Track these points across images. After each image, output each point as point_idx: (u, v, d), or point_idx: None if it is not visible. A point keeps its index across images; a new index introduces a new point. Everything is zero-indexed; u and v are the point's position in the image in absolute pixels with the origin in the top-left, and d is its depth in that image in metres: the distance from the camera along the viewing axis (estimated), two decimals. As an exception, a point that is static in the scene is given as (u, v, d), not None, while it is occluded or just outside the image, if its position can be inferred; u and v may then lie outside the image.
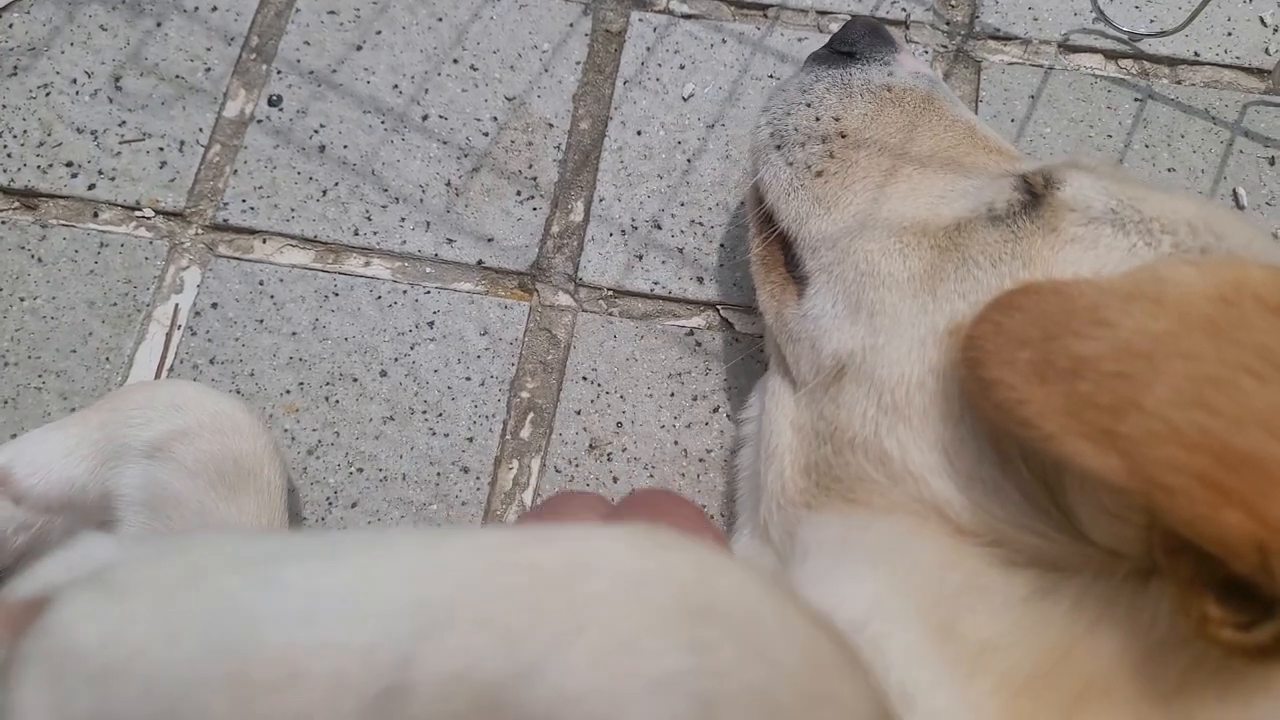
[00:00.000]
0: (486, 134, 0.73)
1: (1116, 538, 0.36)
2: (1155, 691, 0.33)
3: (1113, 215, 0.45)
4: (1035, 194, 0.48)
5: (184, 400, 0.56)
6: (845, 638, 0.23)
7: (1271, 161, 0.72)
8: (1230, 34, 0.76)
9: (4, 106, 0.74)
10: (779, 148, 0.58)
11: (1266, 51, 0.75)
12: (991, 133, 0.58)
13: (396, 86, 0.74)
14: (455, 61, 0.75)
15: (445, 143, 0.73)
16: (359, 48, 0.76)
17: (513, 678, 0.19)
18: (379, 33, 0.76)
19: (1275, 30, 0.76)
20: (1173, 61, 0.75)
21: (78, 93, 0.74)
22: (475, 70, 0.75)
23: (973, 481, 0.40)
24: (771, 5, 0.77)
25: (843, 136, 0.56)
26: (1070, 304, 0.37)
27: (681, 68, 0.75)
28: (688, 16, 0.77)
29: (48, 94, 0.74)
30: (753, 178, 0.59)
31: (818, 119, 0.57)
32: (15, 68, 0.75)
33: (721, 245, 0.70)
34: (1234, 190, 0.71)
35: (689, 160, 0.72)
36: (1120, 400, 0.32)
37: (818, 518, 0.46)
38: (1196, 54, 0.75)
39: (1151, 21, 0.76)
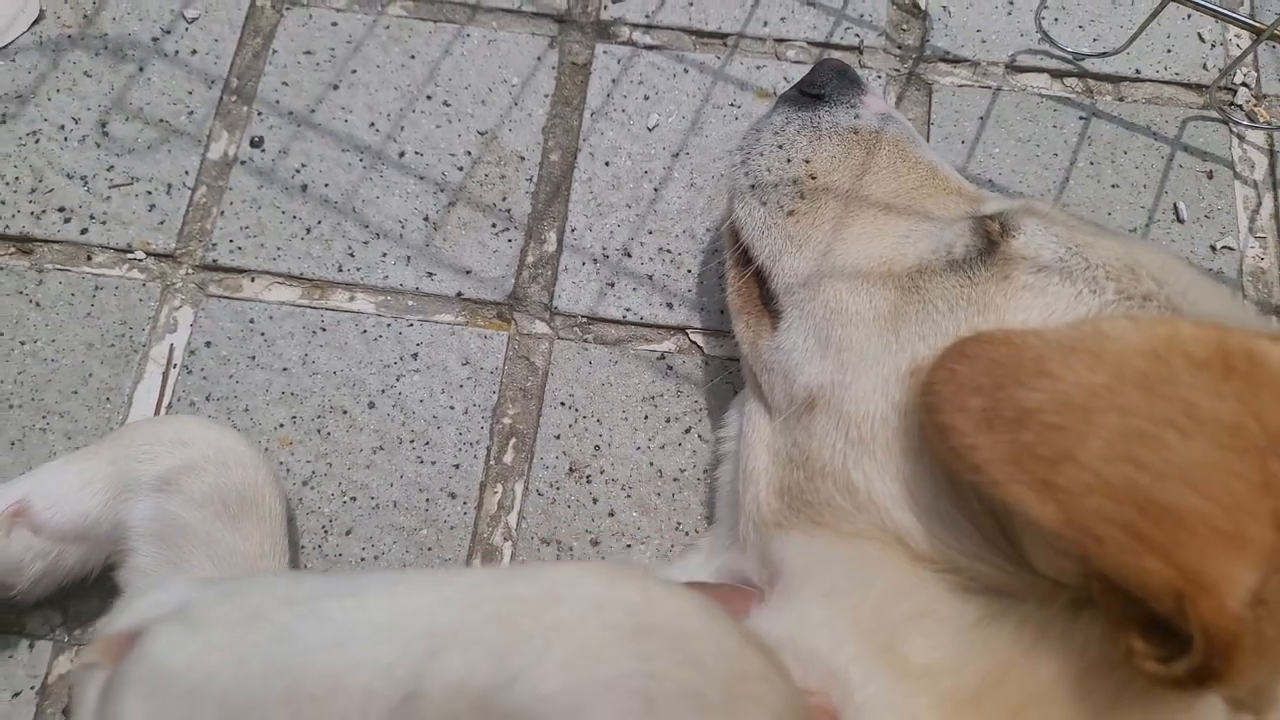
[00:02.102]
0: (461, 168, 0.76)
1: (1058, 571, 0.39)
2: (1089, 708, 0.37)
3: (1060, 264, 0.48)
4: (991, 240, 0.50)
5: (189, 436, 0.60)
6: (769, 650, 0.28)
7: (1210, 175, 0.76)
8: (1170, 50, 0.80)
9: (-5, 154, 0.76)
10: (753, 187, 0.60)
11: (1204, 66, 0.79)
12: (952, 172, 0.60)
13: (373, 124, 0.77)
14: (429, 98, 0.78)
15: (422, 178, 0.76)
16: (335, 87, 0.78)
17: (500, 685, 0.25)
18: (354, 71, 0.79)
19: (1213, 46, 0.80)
20: (1115, 79, 0.79)
21: (66, 139, 0.77)
22: (448, 106, 0.78)
23: (931, 513, 0.44)
24: (730, 35, 0.80)
25: (812, 178, 0.59)
26: (1018, 354, 0.39)
27: (646, 98, 0.78)
28: (650, 48, 0.80)
29: (37, 141, 0.77)
30: (729, 216, 0.62)
31: (789, 160, 0.60)
32: (4, 115, 0.77)
33: (689, 271, 0.73)
34: (1175, 204, 0.75)
35: (655, 189, 0.75)
36: (1058, 452, 0.35)
37: (788, 537, 0.49)
38: (1138, 71, 0.79)
39: (1095, 40, 0.79)
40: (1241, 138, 0.77)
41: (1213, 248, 0.74)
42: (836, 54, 0.80)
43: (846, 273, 0.54)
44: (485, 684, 0.26)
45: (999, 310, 0.48)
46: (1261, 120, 0.77)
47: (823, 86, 0.62)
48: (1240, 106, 0.78)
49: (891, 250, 0.53)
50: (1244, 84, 0.78)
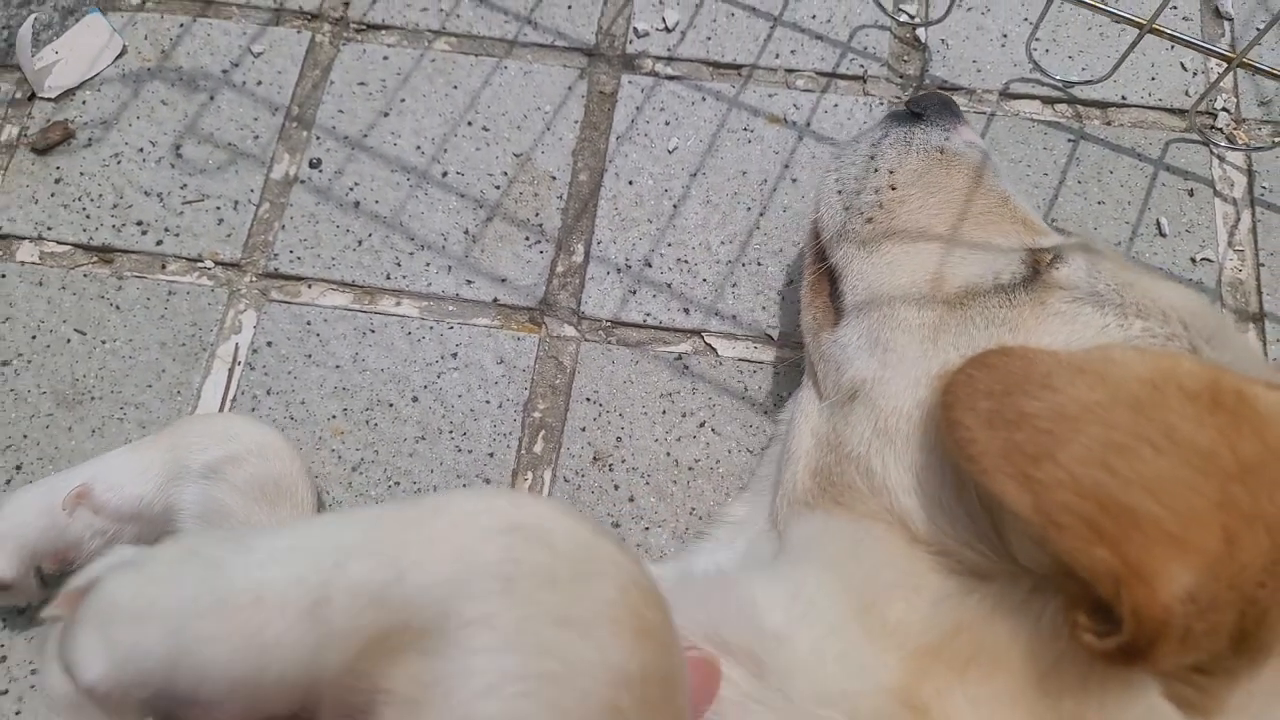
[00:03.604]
0: (498, 187, 0.84)
1: (1033, 561, 0.44)
2: (1033, 670, 0.41)
3: (1096, 297, 0.52)
4: (1036, 270, 0.55)
5: (235, 430, 0.68)
6: (620, 545, 0.33)
7: (1191, 193, 0.81)
8: (1154, 78, 0.86)
9: (82, 174, 0.85)
10: (840, 192, 0.66)
11: (1186, 93, 0.85)
12: (1024, 205, 0.64)
13: (419, 147, 0.85)
14: (470, 124, 0.86)
15: (463, 196, 0.83)
16: (386, 114, 0.87)
17: (391, 581, 0.29)
18: (403, 100, 0.87)
19: (1194, 74, 0.86)
20: (1103, 105, 0.85)
21: (145, 160, 0.85)
22: (487, 131, 0.86)
23: (933, 501, 0.49)
24: (744, 66, 0.87)
25: (892, 188, 0.64)
26: (1030, 368, 0.44)
27: (667, 124, 0.85)
28: (671, 78, 0.87)
29: (119, 162, 0.85)
30: (814, 215, 0.67)
31: (876, 170, 0.65)
32: (90, 139, 0.86)
33: (704, 280, 0.80)
34: (1157, 220, 0.80)
35: (675, 206, 0.82)
36: (1042, 451, 0.40)
37: (811, 515, 0.55)
38: (1124, 97, 0.85)
39: (1083, 70, 0.85)
40: (1222, 158, 0.82)
41: (1192, 260, 0.79)
42: (842, 83, 0.86)
43: (904, 284, 0.58)
44: (380, 581, 0.30)
45: (1029, 331, 0.52)
46: (1240, 142, 0.83)
47: (925, 108, 0.67)
48: (1221, 130, 0.84)
49: (948, 268, 0.58)
50: (1224, 109, 0.84)
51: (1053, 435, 0.40)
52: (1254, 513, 0.38)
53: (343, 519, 0.33)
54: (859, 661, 0.44)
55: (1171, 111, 0.84)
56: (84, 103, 0.88)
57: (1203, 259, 0.79)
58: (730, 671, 0.42)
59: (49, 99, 0.87)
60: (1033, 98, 0.86)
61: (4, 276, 0.82)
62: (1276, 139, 0.82)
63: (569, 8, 0.90)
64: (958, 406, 0.44)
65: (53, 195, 0.84)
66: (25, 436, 0.76)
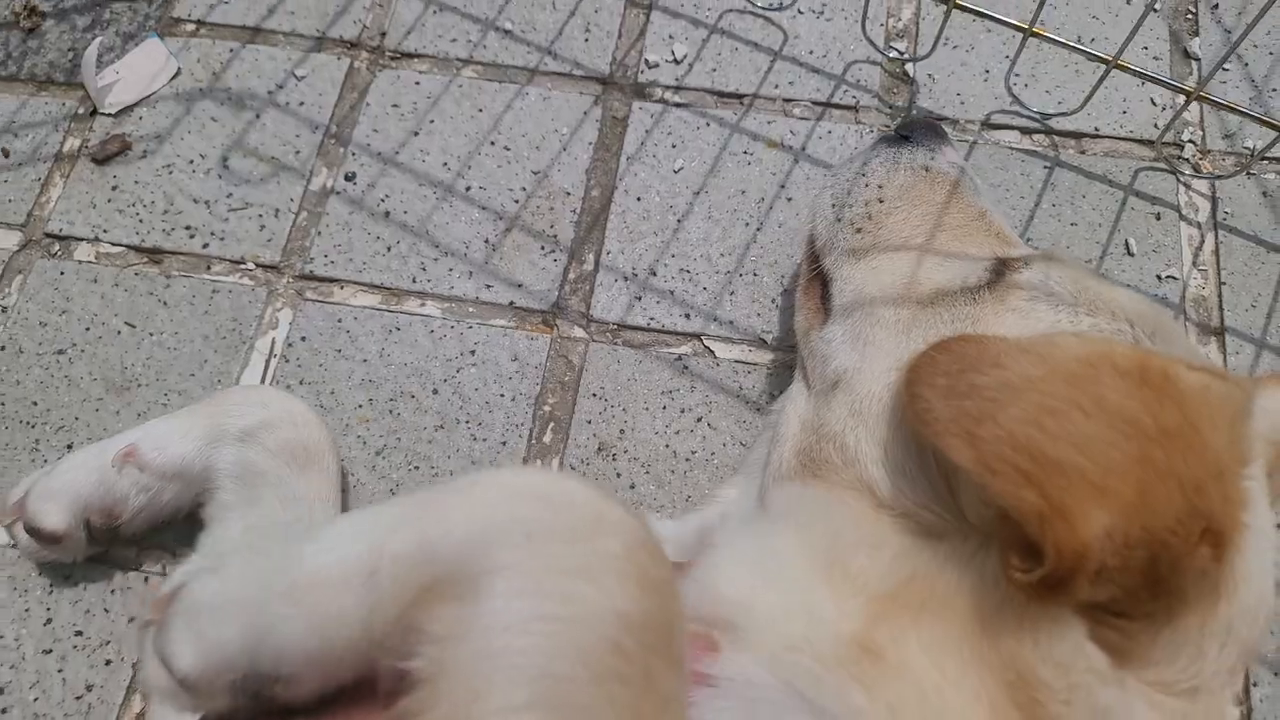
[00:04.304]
0: (517, 201, 0.91)
1: (979, 516, 0.49)
2: (978, 613, 0.46)
3: (1051, 296, 0.58)
4: (1001, 274, 0.60)
5: (268, 399, 0.74)
6: (628, 509, 0.38)
7: (1158, 217, 0.88)
8: (1125, 112, 0.92)
9: (136, 183, 0.93)
10: (833, 205, 0.72)
11: (1155, 126, 0.91)
12: (1000, 220, 0.69)
13: (446, 164, 0.93)
14: (492, 143, 0.94)
15: (484, 208, 0.91)
16: (416, 133, 0.94)
17: (435, 540, 0.35)
18: (432, 121, 0.95)
19: (1163, 109, 0.92)
20: (1078, 135, 0.92)
21: (194, 171, 0.93)
22: (508, 150, 0.93)
23: (897, 469, 0.54)
24: (746, 95, 0.95)
25: (880, 202, 0.70)
26: (983, 350, 0.49)
27: (673, 146, 0.93)
28: (678, 105, 0.95)
29: (170, 172, 0.93)
30: (809, 225, 0.73)
31: (866, 185, 0.71)
32: (145, 151, 0.94)
33: (704, 288, 0.87)
34: (1126, 241, 0.87)
35: (679, 221, 0.89)
36: (985, 414, 0.45)
37: (789, 485, 0.61)
38: (1097, 129, 0.92)
39: (1060, 103, 0.92)
40: (1188, 186, 0.89)
41: (1158, 277, 0.85)
42: (836, 112, 0.94)
43: (884, 287, 0.64)
44: (418, 546, 0.35)
45: (987, 324, 0.58)
46: (1205, 171, 0.89)
47: (913, 131, 0.74)
48: (1188, 160, 0.90)
49: (924, 273, 0.64)
50: (1190, 141, 0.91)
51: (996, 402, 0.45)
52: (1169, 470, 0.42)
53: (386, 505, 0.38)
54: (821, 611, 0.49)
55: (1141, 142, 0.91)
56: (141, 118, 0.96)
57: (1168, 276, 0.85)
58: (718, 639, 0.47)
59: (109, 115, 0.96)
60: (1012, 128, 0.92)
61: (62, 274, 0.89)
62: (1239, 169, 0.88)
63: (586, 40, 0.98)
64: (919, 382, 0.49)
65: (109, 201, 0.92)
66: (77, 418, 0.83)
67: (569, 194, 0.91)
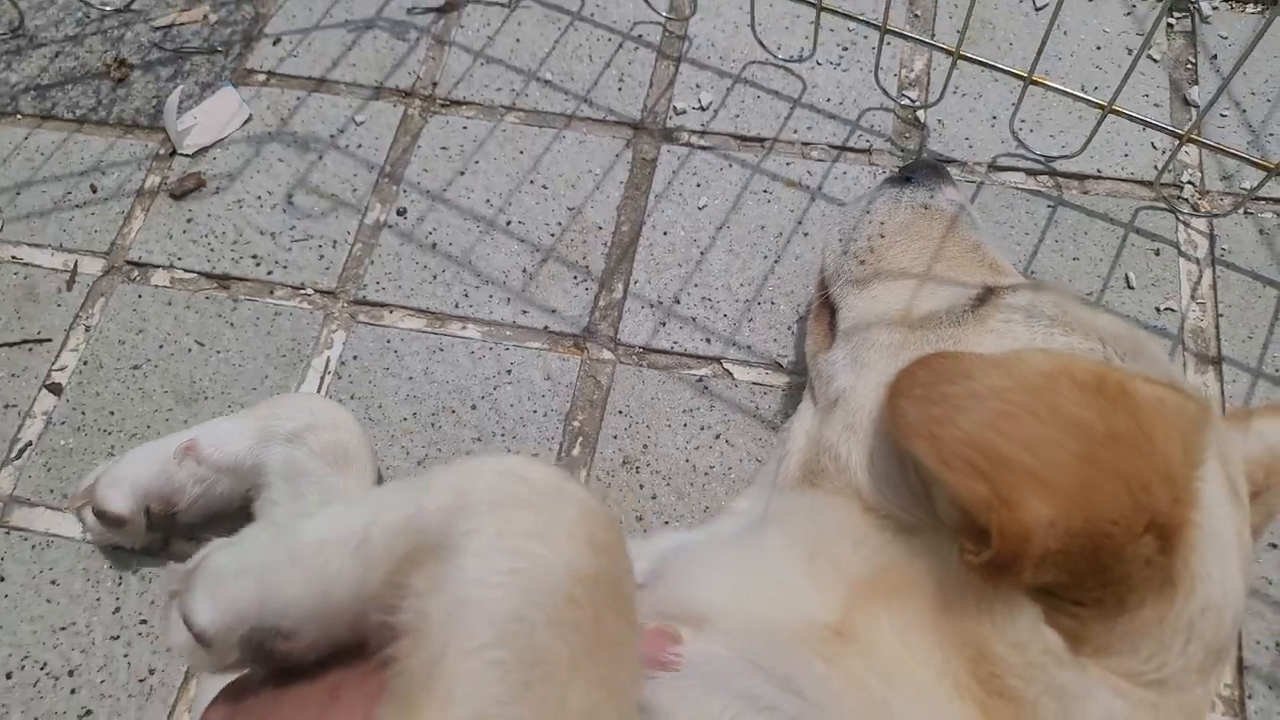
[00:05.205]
0: (553, 234, 0.98)
1: (947, 514, 0.54)
2: (942, 596, 0.50)
3: (1029, 318, 0.62)
4: (985, 299, 0.65)
5: (314, 406, 0.82)
6: (584, 488, 0.42)
7: (1157, 253, 0.92)
8: (1127, 155, 0.98)
9: (209, 216, 1.02)
10: (840, 239, 0.78)
11: (1155, 168, 0.97)
12: (995, 253, 0.73)
13: (489, 201, 1.01)
14: (531, 182, 1.02)
15: (523, 241, 0.98)
16: (462, 173, 1.03)
17: (413, 515, 0.40)
18: (477, 162, 1.03)
19: (1163, 152, 0.97)
20: (1080, 176, 0.97)
21: (261, 205, 1.02)
22: (546, 189, 1.01)
23: (882, 475, 0.59)
24: (767, 139, 1.02)
25: (882, 237, 0.76)
26: (957, 365, 0.53)
27: (698, 185, 1.00)
28: (703, 148, 1.02)
29: (240, 206, 1.02)
30: (820, 259, 0.79)
31: (870, 221, 0.77)
32: (218, 188, 1.04)
33: (725, 315, 0.93)
34: (1126, 275, 0.91)
35: (702, 254, 0.96)
36: (948, 418, 0.50)
37: (788, 493, 0.66)
38: (1099, 170, 0.97)
39: (1063, 147, 0.98)
40: (1186, 224, 0.94)
41: (1157, 309, 0.90)
42: (851, 155, 1.00)
43: (881, 313, 0.70)
44: (404, 516, 0.39)
45: (968, 344, 0.62)
46: (1203, 210, 0.94)
47: (915, 172, 0.80)
48: (1186, 200, 0.95)
49: (917, 300, 0.69)
50: (1189, 182, 0.96)
51: (960, 408, 0.49)
52: (1115, 469, 0.46)
53: (380, 488, 0.44)
54: (799, 601, 0.53)
55: (1141, 183, 0.96)
56: (215, 158, 1.05)
57: (1166, 308, 0.89)
58: (683, 631, 0.51)
59: (187, 155, 1.06)
60: (1017, 169, 0.98)
61: (140, 297, 0.98)
62: (1234, 208, 0.93)
63: (619, 89, 1.06)
64: (898, 394, 0.54)
65: (184, 232, 1.01)
66: (148, 427, 0.91)
67: (601, 228, 0.99)
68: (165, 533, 0.84)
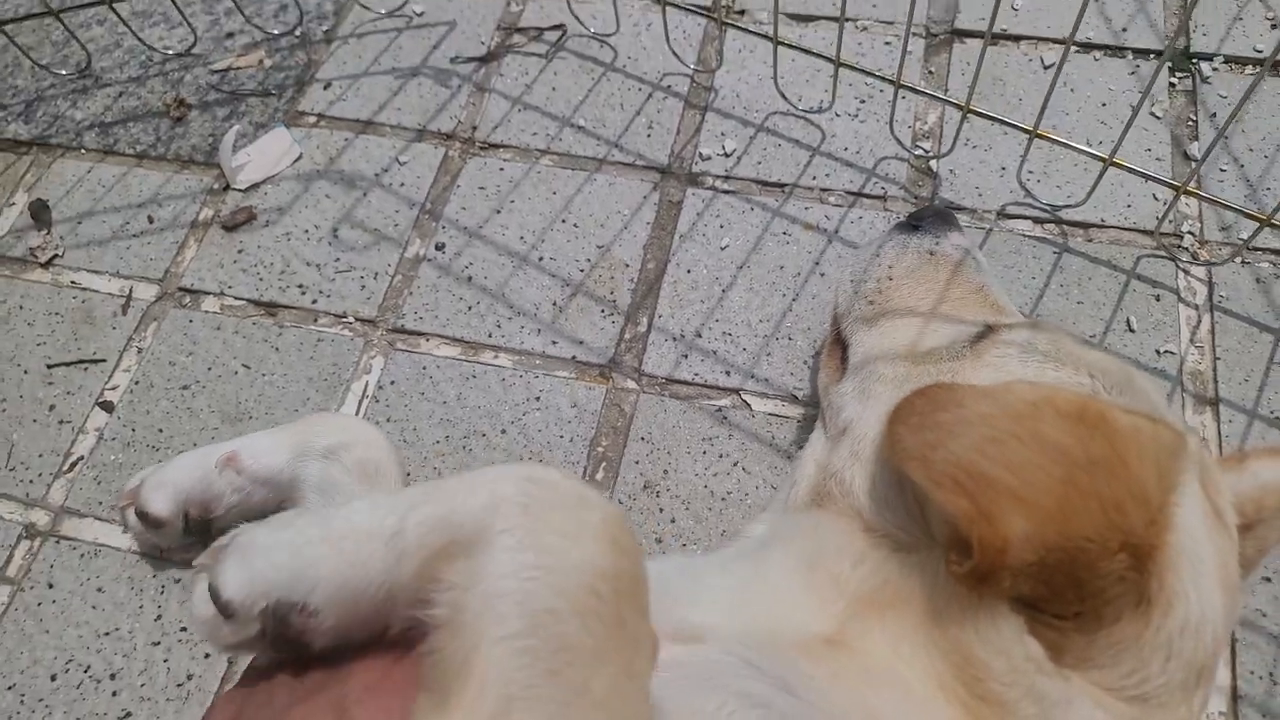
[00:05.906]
0: (582, 270, 1.04)
1: (939, 532, 0.57)
2: (932, 607, 0.54)
3: (1024, 353, 0.66)
4: (984, 336, 0.69)
5: (348, 424, 0.87)
6: (605, 497, 0.45)
7: (1158, 298, 0.97)
8: (1129, 205, 1.03)
9: (259, 247, 1.08)
10: (851, 281, 0.83)
11: (1156, 218, 1.01)
12: (998, 294, 0.77)
13: (522, 238, 1.07)
14: (563, 221, 1.07)
15: (554, 276, 1.04)
16: (498, 211, 1.09)
17: (446, 514, 0.42)
18: (512, 201, 1.09)
19: (1163, 203, 1.02)
20: (1085, 225, 1.02)
21: (308, 238, 1.08)
22: (576, 227, 1.07)
23: (881, 498, 0.63)
24: (787, 184, 1.08)
25: (890, 279, 0.80)
26: (951, 395, 0.55)
27: (721, 227, 1.05)
28: (727, 191, 1.08)
29: (288, 239, 1.09)
30: (834, 299, 0.84)
31: (879, 264, 0.82)
32: (268, 221, 1.10)
33: (744, 349, 0.98)
34: (1128, 319, 0.96)
35: (723, 291, 1.01)
36: (939, 442, 0.53)
37: (795, 515, 0.70)
38: (1103, 219, 1.02)
39: (1069, 197, 1.03)
40: (1186, 271, 0.98)
41: (1157, 352, 0.94)
42: (866, 201, 1.06)
43: (887, 349, 0.74)
44: (438, 514, 0.40)
45: (964, 376, 0.66)
46: (1202, 259, 0.98)
47: (922, 219, 0.84)
48: (1186, 249, 0.99)
49: (921, 337, 0.73)
50: (1190, 232, 1.00)
51: (951, 433, 0.53)
52: (1091, 491, 0.49)
53: (410, 489, 0.46)
54: (795, 613, 0.57)
55: (1143, 232, 1.01)
56: (266, 194, 1.12)
57: (1166, 351, 0.94)
58: (667, 643, 0.53)
59: (240, 190, 1.12)
60: (1025, 218, 1.03)
61: (191, 321, 1.04)
62: (1232, 257, 0.97)
63: (648, 136, 1.13)
64: (897, 421, 0.57)
65: (235, 262, 1.08)
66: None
67: (628, 265, 1.04)
68: (200, 539, 0.88)
